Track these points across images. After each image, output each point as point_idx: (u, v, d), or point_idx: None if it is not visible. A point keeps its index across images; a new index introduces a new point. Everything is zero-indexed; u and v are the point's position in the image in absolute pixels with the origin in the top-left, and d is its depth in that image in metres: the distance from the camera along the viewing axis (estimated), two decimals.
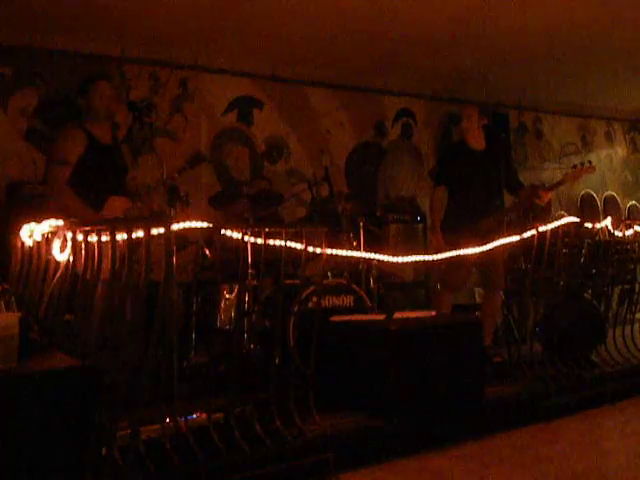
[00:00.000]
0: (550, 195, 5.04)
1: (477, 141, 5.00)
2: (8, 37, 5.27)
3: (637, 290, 5.24)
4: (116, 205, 3.82)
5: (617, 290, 5.34)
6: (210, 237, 4.47)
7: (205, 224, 3.10)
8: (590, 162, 4.97)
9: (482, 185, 4.94)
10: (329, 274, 4.89)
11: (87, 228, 2.90)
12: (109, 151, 4.03)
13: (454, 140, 5.18)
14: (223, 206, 5.66)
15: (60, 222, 3.04)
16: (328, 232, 3.54)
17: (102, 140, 3.99)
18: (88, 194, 3.77)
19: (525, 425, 3.97)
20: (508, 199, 5.38)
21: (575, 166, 4.97)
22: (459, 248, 4.52)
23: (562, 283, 4.74)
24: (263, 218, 5.20)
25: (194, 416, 3.22)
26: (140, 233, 2.81)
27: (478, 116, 4.96)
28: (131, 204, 3.90)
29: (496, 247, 4.49)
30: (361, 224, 5.35)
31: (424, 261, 4.74)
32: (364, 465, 3.31)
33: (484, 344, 4.42)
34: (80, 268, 2.90)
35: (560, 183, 5.10)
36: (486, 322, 4.66)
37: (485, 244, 4.48)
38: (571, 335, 4.65)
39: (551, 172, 8.40)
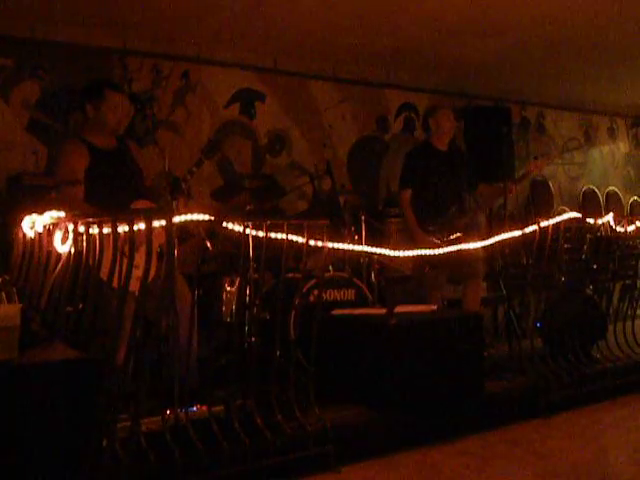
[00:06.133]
0: (516, 187, 5.25)
1: (442, 141, 5.11)
2: (10, 29, 5.26)
3: (638, 286, 5.25)
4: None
5: (618, 286, 5.35)
6: (212, 230, 4.47)
7: (207, 217, 3.11)
8: (542, 155, 5.28)
9: (449, 184, 5.04)
10: (330, 268, 4.89)
11: (89, 220, 2.90)
12: (116, 156, 3.83)
13: (421, 142, 5.30)
14: (225, 199, 5.65)
15: (61, 214, 3.04)
16: (330, 226, 3.54)
17: (105, 147, 3.79)
18: (109, 206, 3.54)
19: (525, 420, 3.98)
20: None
21: (536, 157, 5.24)
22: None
23: (563, 278, 4.74)
24: (265, 211, 5.20)
25: (194, 408, 3.22)
26: (142, 225, 2.81)
27: (454, 118, 5.10)
28: (156, 204, 3.75)
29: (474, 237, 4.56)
30: (363, 218, 5.35)
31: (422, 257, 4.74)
32: (364, 458, 3.32)
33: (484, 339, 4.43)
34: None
35: (525, 175, 5.33)
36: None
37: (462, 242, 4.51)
38: (572, 330, 4.65)
39: (554, 167, 8.40)
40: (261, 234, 3.25)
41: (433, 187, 5.00)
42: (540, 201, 8.06)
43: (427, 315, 4.12)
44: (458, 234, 4.79)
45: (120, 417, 2.77)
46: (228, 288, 4.77)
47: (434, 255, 4.46)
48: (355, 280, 4.82)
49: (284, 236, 3.30)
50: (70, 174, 3.64)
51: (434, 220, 4.92)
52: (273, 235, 3.31)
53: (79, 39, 5.51)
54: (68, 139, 3.93)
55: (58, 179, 3.70)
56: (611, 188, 9.11)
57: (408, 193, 5.02)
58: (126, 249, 2.73)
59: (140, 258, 2.78)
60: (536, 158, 5.21)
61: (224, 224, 3.19)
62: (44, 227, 3.20)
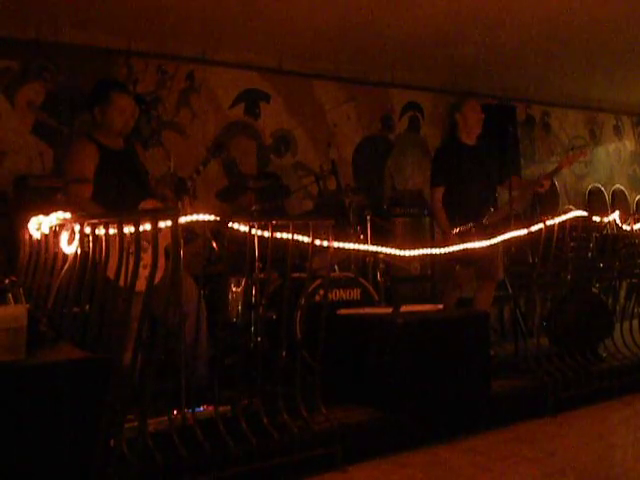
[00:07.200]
0: (549, 182, 5.08)
1: (470, 136, 5.02)
2: (15, 31, 5.27)
3: None
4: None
5: (625, 284, 5.33)
6: (217, 230, 4.48)
7: (213, 217, 3.11)
8: (581, 146, 5.04)
9: (480, 179, 4.95)
10: (336, 267, 4.89)
11: (95, 221, 2.91)
12: (124, 156, 3.87)
13: (448, 137, 5.16)
14: (230, 199, 5.65)
15: (67, 215, 3.05)
16: (335, 225, 3.54)
17: (114, 147, 3.83)
18: (116, 206, 3.58)
19: (532, 419, 3.97)
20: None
21: (569, 151, 5.08)
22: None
23: (569, 277, 4.73)
24: (270, 211, 5.20)
25: (201, 409, 3.23)
26: (147, 226, 2.81)
27: (481, 110, 5.00)
28: (162, 205, 3.76)
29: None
30: (368, 217, 5.35)
31: (431, 256, 4.73)
32: (371, 458, 3.33)
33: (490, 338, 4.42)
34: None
35: (557, 169, 5.17)
36: None
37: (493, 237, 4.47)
38: (578, 329, 4.64)
39: None
40: (267, 234, 3.26)
41: (464, 184, 4.89)
42: (546, 199, 8.03)
43: (433, 314, 4.12)
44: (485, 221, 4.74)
45: (127, 417, 2.78)
46: (234, 288, 4.78)
47: (465, 252, 4.41)
48: (361, 280, 4.81)
49: (290, 236, 3.30)
50: (80, 173, 3.65)
51: (467, 218, 4.82)
52: (279, 235, 3.31)
53: (84, 40, 5.52)
54: (78, 138, 3.94)
55: (67, 178, 3.72)
56: (617, 186, 9.08)
57: (440, 191, 4.92)
58: (133, 248, 2.74)
59: (148, 257, 2.78)
60: (568, 152, 5.04)
61: (230, 224, 3.19)
62: (50, 228, 3.21)
